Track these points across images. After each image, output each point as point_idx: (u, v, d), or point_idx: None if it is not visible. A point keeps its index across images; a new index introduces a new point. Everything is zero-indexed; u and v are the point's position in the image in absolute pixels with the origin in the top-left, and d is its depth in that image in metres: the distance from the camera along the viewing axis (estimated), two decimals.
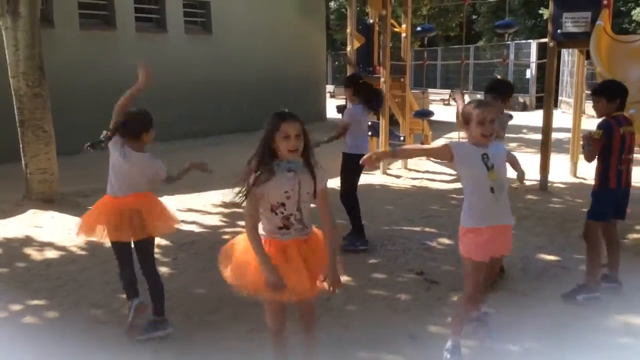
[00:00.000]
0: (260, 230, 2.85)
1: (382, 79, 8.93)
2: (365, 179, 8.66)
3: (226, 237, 5.92)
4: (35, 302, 4.31)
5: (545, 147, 7.88)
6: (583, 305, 4.09)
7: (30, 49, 6.56)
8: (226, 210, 6.97)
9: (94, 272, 4.92)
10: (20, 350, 3.63)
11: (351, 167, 5.35)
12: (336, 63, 29.82)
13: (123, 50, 11.78)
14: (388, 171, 9.17)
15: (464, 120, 3.23)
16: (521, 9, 22.71)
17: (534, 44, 20.14)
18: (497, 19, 20.91)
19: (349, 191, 5.54)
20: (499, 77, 18.73)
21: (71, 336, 3.79)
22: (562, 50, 15.22)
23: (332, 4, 22.35)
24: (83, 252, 5.46)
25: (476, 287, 3.28)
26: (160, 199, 3.97)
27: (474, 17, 24.85)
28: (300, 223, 2.86)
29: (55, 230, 6.05)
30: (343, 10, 21.80)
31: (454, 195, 7.37)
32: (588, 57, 7.59)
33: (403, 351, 3.55)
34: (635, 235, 5.79)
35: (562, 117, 14.32)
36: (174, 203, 6.07)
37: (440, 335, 3.69)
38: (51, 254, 5.42)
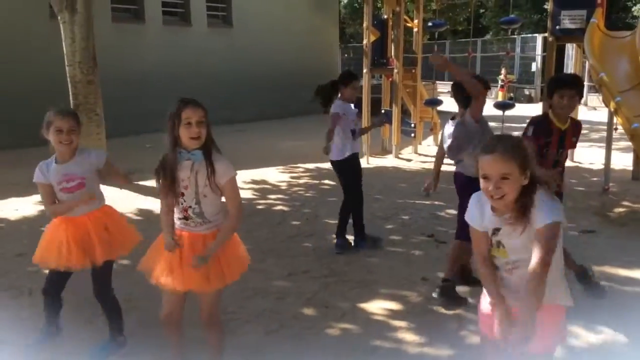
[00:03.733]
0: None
1: (395, 70, 9.73)
2: (378, 162, 9.53)
3: (260, 207, 6.82)
4: None
5: None
6: None
7: (85, 41, 7.41)
8: (256, 186, 7.83)
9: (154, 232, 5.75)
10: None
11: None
12: (345, 55, 30.57)
13: (151, 42, 12.63)
14: (399, 155, 9.97)
15: None
16: (527, 4, 23.37)
17: (539, 38, 20.83)
18: (504, 13, 21.66)
19: None
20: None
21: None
22: (566, 44, 15.94)
23: None
24: (138, 217, 6.31)
25: None
26: None
27: (481, 11, 25.53)
28: (200, 217, 2.83)
29: (110, 200, 6.88)
30: (356, 5, 22.52)
31: None
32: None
33: (417, 289, 4.36)
34: (619, 209, 6.57)
35: None
36: None
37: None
38: None
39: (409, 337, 3.64)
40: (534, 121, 3.99)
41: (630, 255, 5.02)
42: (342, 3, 22.92)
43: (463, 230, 3.80)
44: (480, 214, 2.37)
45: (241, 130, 12.91)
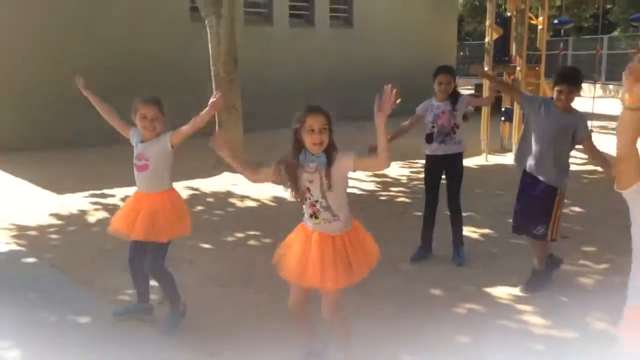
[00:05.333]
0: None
1: (517, 68, 9.73)
2: (497, 159, 9.62)
3: (382, 198, 7.22)
4: (251, 232, 5.79)
5: None
6: None
7: (228, 42, 8.19)
8: (377, 179, 8.23)
9: (287, 215, 6.30)
10: (254, 265, 5.06)
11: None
12: (461, 53, 30.15)
13: (279, 43, 13.40)
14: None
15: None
16: None
17: None
18: (633, 9, 20.51)
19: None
20: None
21: None
22: None
23: None
24: (273, 204, 6.93)
25: None
26: None
27: (608, 6, 24.28)
28: (328, 211, 2.97)
29: (247, 187, 7.59)
30: (476, 2, 22.28)
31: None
32: None
33: None
34: None
35: None
36: None
37: (570, 272, 4.65)
38: (250, 203, 6.96)
39: (534, 319, 3.88)
40: None
41: None
42: (460, 1, 22.76)
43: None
44: None
45: (363, 127, 13.35)
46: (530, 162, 4.24)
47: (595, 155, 4.10)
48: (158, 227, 3.62)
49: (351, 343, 3.20)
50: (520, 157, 4.37)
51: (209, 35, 8.27)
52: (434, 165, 4.99)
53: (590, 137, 4.18)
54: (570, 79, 4.11)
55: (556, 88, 4.10)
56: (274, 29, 13.38)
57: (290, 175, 2.99)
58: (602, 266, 4.77)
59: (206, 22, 8.25)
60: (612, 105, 15.24)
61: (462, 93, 4.95)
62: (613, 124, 13.08)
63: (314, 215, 3.01)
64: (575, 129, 4.12)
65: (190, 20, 11.64)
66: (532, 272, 4.41)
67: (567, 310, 4.00)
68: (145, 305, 3.95)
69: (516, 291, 4.33)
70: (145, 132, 3.64)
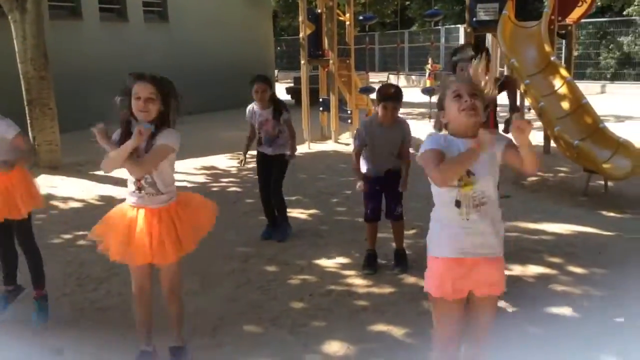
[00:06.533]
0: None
1: (330, 61, 10.44)
2: (319, 147, 10.24)
3: (215, 189, 7.39)
4: (79, 232, 5.60)
5: None
6: None
7: (36, 38, 7.72)
8: (207, 172, 8.37)
9: None
10: (85, 264, 4.96)
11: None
12: (278, 48, 31.07)
13: (89, 39, 12.79)
14: (338, 140, 10.72)
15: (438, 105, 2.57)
16: None
17: (461, 29, 22.12)
18: (428, 5, 22.80)
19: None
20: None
21: None
22: (486, 34, 17.14)
23: None
24: (100, 202, 6.74)
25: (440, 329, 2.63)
26: None
27: (407, 3, 26.66)
28: (153, 187, 2.98)
29: (69, 188, 7.29)
30: None
31: None
32: None
33: (363, 248, 5.03)
34: (532, 178, 7.55)
35: None
36: None
37: (386, 239, 5.24)
38: (75, 204, 6.69)
39: (358, 281, 4.37)
40: None
41: (539, 214, 5.95)
42: None
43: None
44: (445, 143, 2.48)
45: (182, 123, 13.27)
46: (376, 167, 4.58)
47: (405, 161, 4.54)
48: (15, 204, 3.65)
49: (183, 324, 3.29)
50: (369, 167, 4.63)
51: (13, 31, 7.73)
52: (263, 159, 5.46)
53: (409, 143, 4.56)
54: (394, 97, 4.34)
55: (382, 104, 4.32)
56: (83, 24, 12.74)
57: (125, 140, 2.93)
58: (412, 232, 5.42)
59: (9, 17, 7.70)
60: (414, 93, 16.86)
61: (285, 107, 5.32)
62: (417, 110, 14.58)
63: (138, 189, 3.00)
64: (402, 137, 4.50)
65: None
66: (395, 254, 4.67)
67: (384, 270, 4.55)
68: (13, 287, 3.92)
69: (342, 260, 4.81)
70: None
